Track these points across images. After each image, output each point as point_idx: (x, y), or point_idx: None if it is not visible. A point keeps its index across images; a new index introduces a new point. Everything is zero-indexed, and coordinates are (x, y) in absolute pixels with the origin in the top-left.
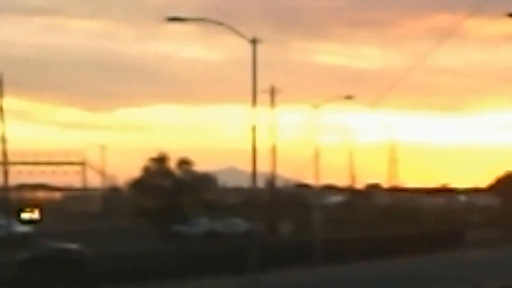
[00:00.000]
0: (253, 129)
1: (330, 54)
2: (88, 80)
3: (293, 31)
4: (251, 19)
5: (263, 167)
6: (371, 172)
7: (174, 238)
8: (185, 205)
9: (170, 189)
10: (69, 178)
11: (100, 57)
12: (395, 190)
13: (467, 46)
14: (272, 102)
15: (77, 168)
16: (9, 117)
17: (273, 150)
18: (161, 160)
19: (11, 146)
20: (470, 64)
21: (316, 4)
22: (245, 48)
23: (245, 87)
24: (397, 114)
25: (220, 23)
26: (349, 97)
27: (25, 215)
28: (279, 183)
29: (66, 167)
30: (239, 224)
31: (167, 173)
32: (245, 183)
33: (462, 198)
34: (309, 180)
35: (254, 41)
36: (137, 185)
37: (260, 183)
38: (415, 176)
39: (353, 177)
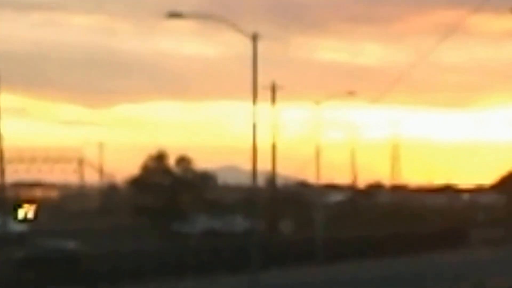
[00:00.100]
0: (254, 126)
1: (332, 50)
2: (86, 77)
3: (294, 26)
4: (251, 14)
5: (264, 165)
6: (374, 170)
7: (173, 237)
8: (184, 204)
9: (169, 187)
10: (67, 175)
11: (98, 53)
12: (398, 188)
13: (471, 42)
14: (273, 99)
15: (75, 165)
16: (5, 114)
17: (274, 148)
18: (160, 157)
19: (7, 144)
20: (474, 60)
21: None
22: (246, 44)
23: (245, 84)
24: (400, 111)
25: (220, 19)
26: (351, 94)
27: (20, 214)
28: (279, 181)
29: (63, 165)
30: (239, 223)
31: (166, 171)
32: (245, 181)
33: (466, 196)
34: (311, 178)
35: (254, 37)
36: (136, 183)
37: (261, 181)
38: (418, 174)
39: (355, 175)
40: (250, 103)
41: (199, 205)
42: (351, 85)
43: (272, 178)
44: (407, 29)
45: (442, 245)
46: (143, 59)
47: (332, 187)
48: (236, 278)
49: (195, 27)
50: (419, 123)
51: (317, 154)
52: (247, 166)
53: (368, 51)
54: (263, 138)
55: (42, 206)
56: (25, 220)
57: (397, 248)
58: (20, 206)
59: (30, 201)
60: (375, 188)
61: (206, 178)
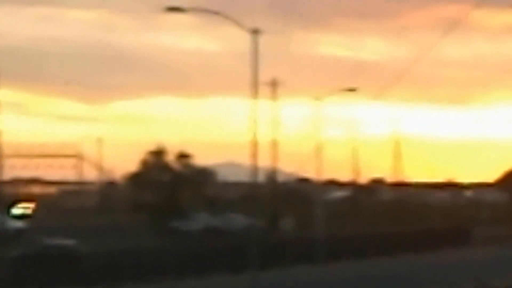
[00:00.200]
0: (254, 122)
1: (333, 45)
2: (84, 72)
3: (295, 21)
4: (252, 9)
5: (264, 162)
6: (375, 167)
7: (172, 234)
8: (183, 200)
9: (168, 184)
10: (65, 171)
11: (97, 48)
12: (400, 185)
13: (474, 38)
14: (274, 94)
15: (73, 161)
16: (3, 109)
17: (274, 144)
18: (159, 153)
19: (4, 139)
20: (476, 56)
21: None
22: (246, 39)
23: (245, 79)
24: (401, 107)
25: (220, 14)
26: (352, 90)
27: (17, 210)
28: (280, 178)
29: (61, 161)
30: (238, 220)
31: (165, 167)
32: (245, 177)
33: (469, 193)
34: (311, 174)
35: (255, 32)
36: (135, 179)
37: (261, 178)
38: (421, 170)
39: (356, 171)
40: (250, 98)
41: (198, 201)
42: (353, 80)
43: (272, 174)
44: (409, 24)
45: (444, 243)
46: (142, 54)
47: (333, 184)
48: (236, 277)
49: (195, 22)
50: (421, 119)
51: (318, 150)
52: (247, 162)
53: (370, 46)
54: (263, 134)
55: (40, 202)
56: (22, 216)
57: (398, 246)
58: (16, 203)
59: (28, 200)
60: (377, 185)
61: (205, 175)
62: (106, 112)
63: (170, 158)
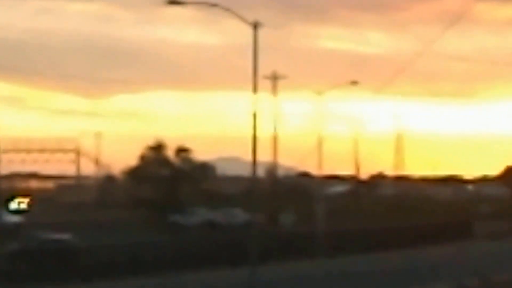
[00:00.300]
0: (254, 116)
1: (334, 38)
2: (83, 66)
3: (296, 14)
4: (252, 2)
5: (264, 156)
6: (377, 161)
7: (171, 229)
8: (182, 195)
9: (167, 178)
10: (63, 166)
11: (96, 41)
12: (401, 180)
13: (477, 31)
14: (274, 88)
15: (71, 156)
16: (0, 103)
17: (275, 139)
18: (158, 148)
19: (2, 133)
20: (480, 49)
21: None
22: (246, 32)
23: (246, 73)
24: (403, 101)
25: (220, 7)
26: (354, 83)
27: (13, 205)
28: (280, 173)
29: (59, 155)
30: (238, 215)
31: (165, 161)
32: (245, 172)
33: (471, 188)
34: (312, 169)
35: (255, 25)
36: (133, 174)
37: (261, 173)
38: (422, 165)
39: (357, 166)
40: (250, 92)
41: (198, 196)
42: (354, 74)
43: (272, 169)
44: (411, 17)
45: (445, 238)
46: (142, 47)
47: (334, 179)
48: (235, 272)
49: (195, 15)
50: (423, 114)
51: (319, 145)
52: (247, 157)
53: (372, 39)
54: (264, 129)
55: (37, 197)
56: (18, 211)
57: (400, 241)
58: (13, 198)
59: (24, 194)
60: (378, 180)
61: (205, 169)
62: (105, 106)
63: (170, 152)
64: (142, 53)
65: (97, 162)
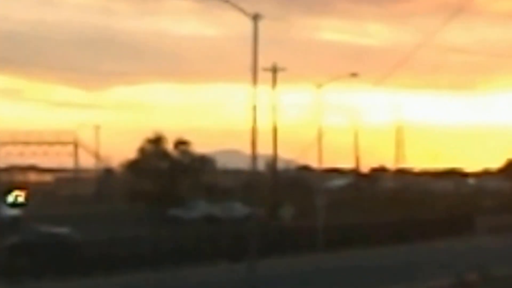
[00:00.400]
0: (254, 109)
1: (334, 30)
2: (82, 58)
3: (296, 6)
4: None
5: (264, 149)
6: (377, 154)
7: (170, 223)
8: (182, 188)
9: (166, 171)
10: (61, 159)
11: (94, 33)
12: (402, 173)
13: (478, 23)
14: (274, 80)
15: (70, 148)
16: None
17: (275, 131)
18: (157, 141)
19: (0, 126)
20: (481, 41)
21: None
22: (246, 24)
23: (245, 65)
24: (404, 93)
25: None
26: (354, 75)
27: (10, 198)
28: (280, 166)
29: (58, 148)
30: (238, 208)
31: (164, 154)
32: (245, 165)
33: (472, 181)
34: (312, 162)
35: (255, 17)
36: (132, 166)
37: (261, 166)
38: (423, 158)
39: (358, 159)
40: (250, 85)
41: (197, 189)
42: (354, 66)
43: (272, 162)
44: (412, 9)
45: (446, 232)
46: (141, 39)
47: (335, 172)
48: (234, 266)
49: (194, 7)
50: (424, 106)
51: (319, 138)
52: (247, 150)
53: (372, 31)
54: (263, 121)
55: (36, 190)
56: (15, 205)
57: (400, 235)
58: (10, 191)
59: (21, 187)
60: (379, 173)
61: (204, 162)
62: (103, 99)
63: (169, 145)
64: (141, 45)
65: (95, 155)
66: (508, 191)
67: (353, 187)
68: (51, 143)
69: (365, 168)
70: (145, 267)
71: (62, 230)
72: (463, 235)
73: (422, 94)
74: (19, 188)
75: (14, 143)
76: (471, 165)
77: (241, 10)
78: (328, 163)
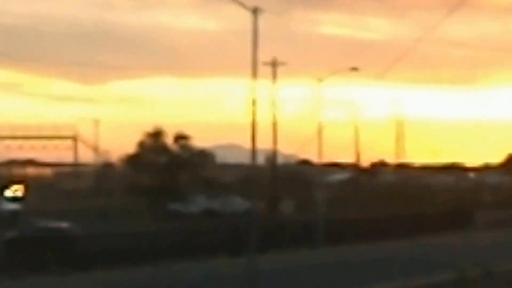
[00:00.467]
0: (253, 103)
1: (335, 24)
2: (81, 51)
3: (296, 0)
4: None
5: (264, 144)
6: (377, 149)
7: (170, 217)
8: (181, 183)
9: (166, 166)
10: (61, 153)
11: (94, 27)
12: (402, 168)
13: (478, 17)
14: (274, 75)
15: (69, 143)
16: None
17: (274, 126)
18: (156, 135)
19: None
20: (482, 35)
21: None
22: (246, 18)
23: (245, 59)
24: (404, 88)
25: None
26: (354, 69)
27: (8, 192)
28: (280, 160)
29: (57, 142)
30: (238, 202)
31: (163, 148)
32: (245, 160)
33: (472, 176)
34: (312, 157)
35: (255, 11)
36: (132, 161)
37: (261, 160)
38: (423, 153)
39: (358, 154)
40: (250, 79)
41: (197, 184)
42: (355, 60)
43: (272, 156)
44: (412, 3)
45: (446, 226)
46: (140, 33)
47: (335, 166)
48: (234, 260)
49: (194, 1)
50: (424, 100)
51: (319, 132)
52: (247, 144)
53: (372, 25)
54: (263, 116)
55: (35, 185)
56: (14, 199)
57: (400, 230)
58: (8, 186)
59: (18, 181)
60: (379, 167)
61: (204, 157)
62: (103, 93)
63: (168, 139)
64: (140, 39)
65: (95, 149)
66: (509, 186)
67: (353, 181)
68: (50, 137)
69: (365, 162)
70: (144, 262)
71: (62, 224)
72: (463, 230)
73: (422, 88)
74: (17, 182)
75: (13, 137)
76: (472, 160)
77: (241, 4)
78: (328, 158)
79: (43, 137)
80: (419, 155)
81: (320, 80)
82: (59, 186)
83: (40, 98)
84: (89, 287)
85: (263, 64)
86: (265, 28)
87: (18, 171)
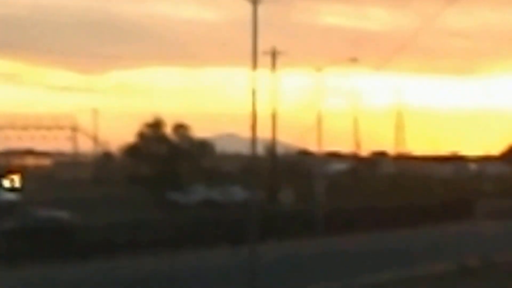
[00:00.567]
0: (253, 93)
1: (334, 14)
2: (80, 41)
3: None
4: None
5: (264, 133)
6: (377, 139)
7: (169, 207)
8: (181, 173)
9: (165, 156)
10: (60, 143)
11: (93, 17)
12: (402, 158)
13: (479, 7)
14: (274, 65)
15: (68, 132)
16: None
17: (274, 116)
18: (156, 125)
19: None
20: (482, 25)
21: None
22: (245, 7)
23: (245, 49)
24: (404, 78)
25: None
26: (354, 60)
27: (5, 182)
28: (280, 150)
29: (56, 132)
30: (237, 192)
31: (163, 138)
32: (245, 150)
33: (473, 166)
34: (312, 147)
35: (254, 1)
36: (131, 151)
37: (260, 150)
38: (424, 143)
39: (358, 144)
40: (249, 69)
41: (196, 174)
42: (355, 50)
43: (272, 146)
44: None
45: (447, 217)
46: (139, 23)
47: (334, 156)
48: (234, 250)
49: None
50: (424, 91)
51: (319, 122)
52: (247, 134)
53: (373, 15)
54: (263, 106)
55: (34, 174)
56: (11, 189)
57: (400, 220)
58: (5, 175)
59: (14, 170)
60: (379, 157)
61: (204, 147)
62: (102, 83)
63: (168, 129)
64: (139, 28)
65: (94, 138)
66: (509, 176)
67: (353, 171)
68: (49, 127)
69: (365, 152)
70: (144, 251)
71: (61, 214)
72: (464, 220)
73: (422, 78)
74: (14, 171)
75: (12, 127)
76: (472, 150)
77: None
78: (328, 148)
79: (42, 127)
80: (419, 145)
81: (319, 70)
82: (58, 176)
83: (39, 88)
84: (89, 276)
85: (263, 53)
86: (265, 18)
87: (17, 161)
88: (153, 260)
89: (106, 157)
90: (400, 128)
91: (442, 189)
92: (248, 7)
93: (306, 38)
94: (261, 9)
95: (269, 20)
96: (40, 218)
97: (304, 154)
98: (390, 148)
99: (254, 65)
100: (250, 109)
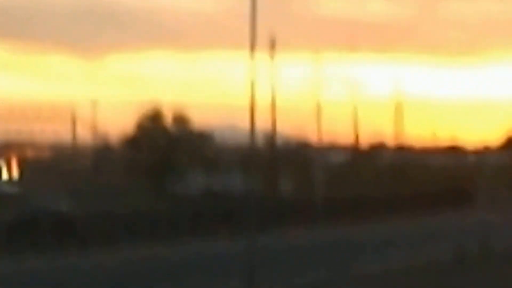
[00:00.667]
0: (252, 84)
1: (334, 4)
2: (78, 30)
3: None
4: None
5: (263, 124)
6: (377, 130)
7: (169, 198)
8: (180, 163)
9: (164, 147)
10: (58, 134)
11: (91, 5)
12: (402, 149)
13: None
14: (272, 55)
15: (67, 123)
16: None
17: (273, 106)
18: (155, 116)
19: None
20: (482, 14)
21: None
22: None
23: (243, 40)
24: (404, 68)
25: None
26: (353, 50)
27: (4, 174)
28: (279, 141)
29: (55, 122)
30: (237, 183)
31: (162, 129)
32: (244, 140)
33: (472, 156)
34: (311, 137)
35: None
36: (130, 142)
37: (260, 141)
38: (423, 133)
39: (357, 134)
40: (248, 60)
41: (196, 165)
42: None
43: (271, 137)
44: None
45: (446, 206)
46: (137, 12)
47: (334, 147)
48: (233, 240)
49: None
50: (423, 80)
51: (318, 113)
52: (246, 125)
53: (372, 6)
54: (262, 97)
55: (32, 166)
56: (10, 181)
57: (400, 209)
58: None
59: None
60: (378, 148)
61: (203, 138)
62: (101, 72)
63: (167, 120)
64: (138, 18)
65: (93, 128)
66: (509, 166)
67: (352, 162)
68: (48, 118)
69: (364, 143)
70: (143, 242)
71: (60, 205)
72: (463, 209)
73: (422, 68)
74: (12, 163)
75: (10, 117)
76: (472, 139)
77: None
78: (327, 138)
79: (41, 117)
80: (419, 135)
81: (318, 60)
82: (57, 167)
83: (38, 77)
84: (88, 267)
85: (262, 44)
86: (264, 8)
87: (16, 152)
88: (152, 250)
89: (105, 148)
90: (399, 119)
91: (442, 179)
92: None
93: (306, 28)
94: None
95: (268, 11)
96: (40, 210)
97: (303, 145)
98: (389, 139)
99: (252, 55)
100: (249, 100)
